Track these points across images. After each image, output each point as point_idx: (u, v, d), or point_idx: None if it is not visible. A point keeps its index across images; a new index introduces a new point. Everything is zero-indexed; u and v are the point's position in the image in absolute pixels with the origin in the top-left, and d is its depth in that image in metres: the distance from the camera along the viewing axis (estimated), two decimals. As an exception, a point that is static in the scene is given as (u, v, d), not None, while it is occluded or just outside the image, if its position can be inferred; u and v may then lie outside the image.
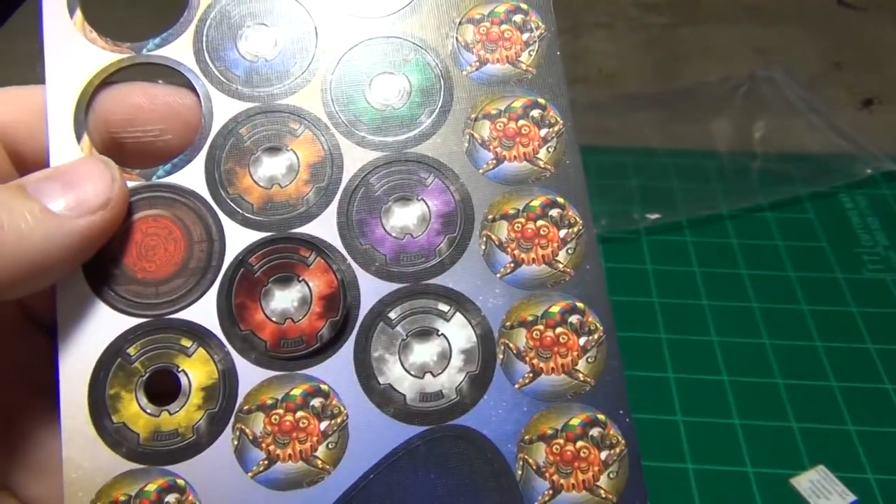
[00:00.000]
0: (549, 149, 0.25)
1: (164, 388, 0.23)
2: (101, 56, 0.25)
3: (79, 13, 0.25)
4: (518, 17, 0.26)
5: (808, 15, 0.73)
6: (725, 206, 0.57)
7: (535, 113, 0.26)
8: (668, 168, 0.58)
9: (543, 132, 0.25)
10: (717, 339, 0.50)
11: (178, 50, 0.25)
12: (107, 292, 0.23)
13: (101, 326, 0.23)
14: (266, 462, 0.23)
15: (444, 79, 0.26)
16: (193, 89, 0.25)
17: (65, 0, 0.25)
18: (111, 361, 0.23)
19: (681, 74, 0.67)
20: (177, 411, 0.23)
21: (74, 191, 0.22)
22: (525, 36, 0.26)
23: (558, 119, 0.26)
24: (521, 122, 0.25)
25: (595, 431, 0.24)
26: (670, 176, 0.58)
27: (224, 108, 0.25)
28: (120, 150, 0.24)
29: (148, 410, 0.23)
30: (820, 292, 0.52)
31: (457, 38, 0.26)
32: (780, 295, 0.52)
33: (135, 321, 0.23)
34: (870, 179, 0.59)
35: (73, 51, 0.25)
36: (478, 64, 0.26)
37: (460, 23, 0.26)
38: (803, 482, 0.43)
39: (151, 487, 0.23)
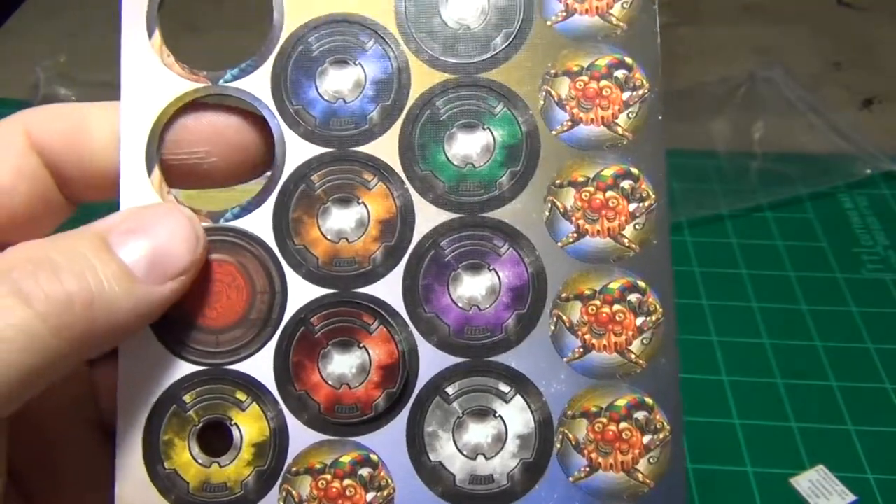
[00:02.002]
0: (637, 226, 0.23)
1: (217, 436, 0.23)
2: (178, 84, 0.23)
3: (157, 35, 0.23)
4: (620, 73, 0.24)
5: (808, 15, 0.73)
6: (725, 206, 0.57)
7: (626, 184, 0.23)
8: (668, 168, 0.58)
9: (633, 207, 0.23)
10: (717, 338, 0.50)
11: (256, 83, 0.24)
12: (168, 337, 0.23)
13: (160, 370, 0.23)
14: None
15: (531, 137, 0.24)
16: (268, 127, 0.24)
17: (144, 19, 0.24)
18: (167, 407, 0.23)
19: (680, 74, 0.67)
20: (227, 464, 0.23)
21: (160, 253, 0.21)
22: (626, 95, 0.24)
23: (651, 193, 0.23)
24: (609, 194, 0.23)
25: None
26: (670, 176, 0.58)
27: (297, 151, 0.24)
28: (166, 171, 0.24)
29: (199, 460, 0.23)
30: (820, 292, 0.52)
31: (550, 92, 0.24)
32: (780, 295, 0.52)
33: (192, 368, 0.23)
34: (870, 179, 0.59)
35: (150, 76, 0.23)
36: (570, 124, 0.24)
37: (556, 75, 0.24)
38: (803, 482, 0.43)
39: None
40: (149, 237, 0.21)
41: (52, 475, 0.24)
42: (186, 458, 0.23)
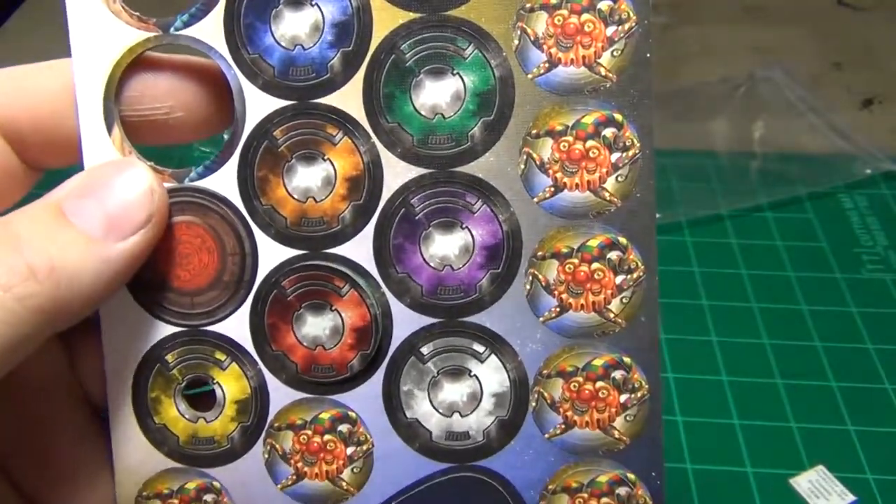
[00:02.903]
0: (619, 178, 0.22)
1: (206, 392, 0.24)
2: (128, 34, 0.22)
3: None
4: (604, 5, 0.21)
5: (808, 15, 0.73)
6: (725, 206, 0.57)
7: (609, 132, 0.22)
8: (668, 168, 0.58)
9: (615, 157, 0.22)
10: (717, 338, 0.50)
11: (208, 30, 0.22)
12: (145, 299, 0.23)
13: (141, 331, 0.23)
14: (294, 477, 0.24)
15: (505, 82, 0.22)
16: (224, 78, 0.23)
17: None
18: (151, 366, 0.24)
19: (680, 74, 0.67)
20: (212, 420, 0.24)
21: (115, 210, 0.21)
22: (610, 30, 0.21)
23: (635, 142, 0.22)
24: (589, 144, 0.22)
25: (622, 490, 0.23)
26: (669, 176, 0.58)
27: (257, 105, 0.22)
28: (129, 128, 0.23)
29: (186, 416, 0.24)
30: (819, 292, 0.52)
31: (525, 30, 0.22)
32: (780, 295, 0.52)
33: (172, 329, 0.23)
34: (870, 179, 0.59)
35: (98, 26, 0.22)
36: (547, 65, 0.22)
37: (532, 9, 0.22)
38: (803, 482, 0.43)
39: (191, 486, 0.24)
40: (102, 197, 0.21)
41: (40, 459, 0.24)
42: (174, 414, 0.24)
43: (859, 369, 0.48)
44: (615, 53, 0.22)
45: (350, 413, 0.23)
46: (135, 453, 0.23)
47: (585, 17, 0.21)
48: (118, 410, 0.24)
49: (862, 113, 0.65)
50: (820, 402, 0.46)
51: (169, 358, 0.23)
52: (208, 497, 0.24)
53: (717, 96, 0.64)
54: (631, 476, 0.23)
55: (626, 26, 0.21)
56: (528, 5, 0.22)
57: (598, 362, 0.23)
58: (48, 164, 0.24)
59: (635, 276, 0.22)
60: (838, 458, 0.44)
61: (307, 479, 0.24)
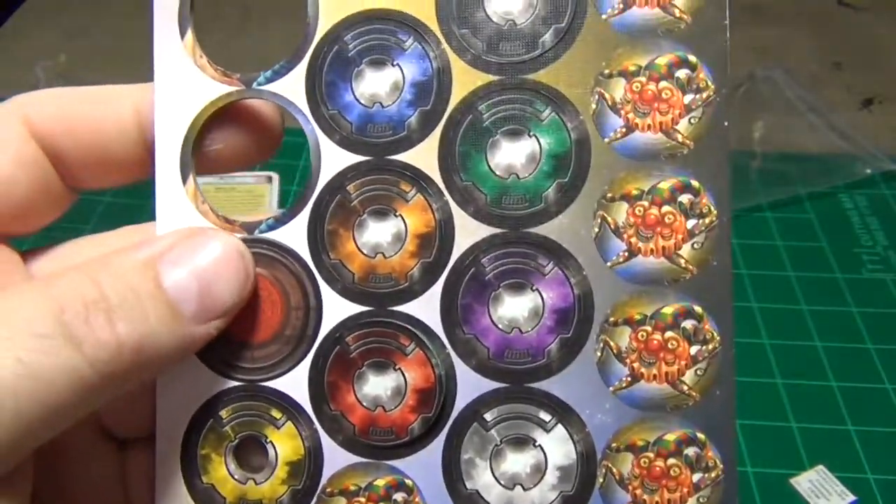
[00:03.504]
0: (695, 245, 0.22)
1: (254, 449, 0.23)
2: (212, 88, 0.22)
3: (190, 35, 0.22)
4: (683, 74, 0.21)
5: (808, 15, 0.73)
6: (725, 206, 0.57)
7: (685, 199, 0.22)
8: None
9: (691, 224, 0.21)
10: (717, 339, 0.50)
11: (290, 86, 0.22)
12: (204, 352, 0.22)
13: (197, 385, 0.23)
14: None
15: (581, 146, 0.22)
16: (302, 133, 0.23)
17: (176, 18, 0.22)
18: (204, 422, 0.23)
19: (680, 74, 0.67)
20: (262, 482, 0.23)
21: (209, 290, 0.21)
22: (688, 99, 0.21)
23: (712, 209, 0.21)
24: (665, 209, 0.22)
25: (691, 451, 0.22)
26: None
27: (333, 160, 0.22)
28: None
29: (236, 476, 0.23)
30: (820, 292, 0.52)
31: (603, 95, 0.22)
32: (780, 295, 0.52)
33: (229, 383, 0.23)
34: (870, 179, 0.59)
35: (183, 78, 0.22)
36: (624, 131, 0.22)
37: (610, 75, 0.22)
38: (803, 482, 0.43)
39: None
40: (199, 273, 0.21)
41: (63, 488, 0.24)
42: (223, 474, 0.23)
43: (859, 369, 0.48)
44: (693, 121, 0.21)
45: (407, 481, 0.22)
46: None
47: (663, 84, 0.22)
48: (165, 466, 0.23)
49: (862, 113, 0.65)
50: (820, 402, 0.47)
51: (223, 414, 0.23)
52: None
53: (717, 96, 0.64)
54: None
55: (704, 95, 0.21)
56: (606, 71, 0.22)
57: (670, 437, 0.22)
58: (87, 187, 0.24)
59: (710, 347, 0.22)
60: (838, 458, 0.44)
61: None
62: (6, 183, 0.22)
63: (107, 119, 0.23)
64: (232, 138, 0.23)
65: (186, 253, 0.21)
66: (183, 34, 0.22)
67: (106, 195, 0.20)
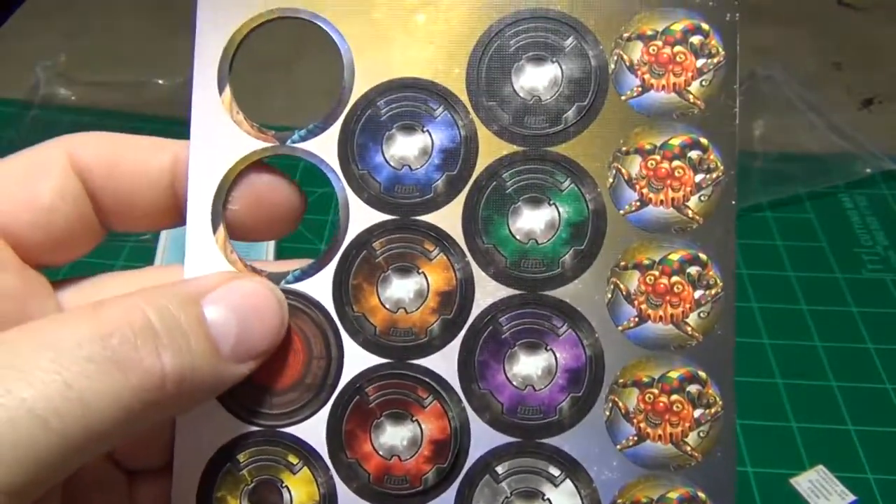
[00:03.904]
0: (701, 314, 0.23)
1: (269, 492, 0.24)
2: (247, 143, 0.23)
3: (228, 91, 0.23)
4: (695, 154, 0.23)
5: (808, 15, 0.73)
6: (725, 206, 0.57)
7: (693, 270, 0.23)
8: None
9: (698, 294, 0.23)
10: (717, 338, 0.50)
11: (323, 145, 0.23)
12: (224, 396, 0.23)
13: (216, 428, 0.23)
14: None
15: (598, 216, 0.23)
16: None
17: (216, 75, 0.23)
18: (221, 465, 0.23)
19: (681, 74, 0.67)
20: None
21: (247, 333, 0.21)
22: (699, 178, 0.23)
23: (718, 281, 0.23)
24: (674, 279, 0.23)
25: None
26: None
27: (361, 217, 0.23)
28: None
29: None
30: (820, 292, 0.52)
31: (620, 170, 0.23)
32: (780, 295, 0.52)
33: (248, 428, 0.23)
34: (870, 179, 0.59)
35: (219, 133, 0.23)
36: (638, 204, 0.23)
37: (627, 152, 0.23)
38: (803, 482, 0.43)
39: None
40: (240, 315, 0.21)
41: None
42: None
43: (859, 369, 0.48)
44: (703, 199, 0.23)
45: None
46: None
47: (676, 163, 0.23)
48: None
49: (862, 113, 0.65)
50: (820, 402, 0.47)
51: (241, 457, 0.23)
52: None
53: (717, 96, 0.64)
54: None
55: (714, 175, 0.23)
56: (623, 148, 0.23)
57: (672, 495, 0.23)
58: (116, 228, 0.25)
59: (713, 410, 0.23)
60: (838, 458, 0.44)
61: None
62: (48, 211, 0.22)
63: (146, 166, 0.23)
64: (253, 206, 0.24)
65: (229, 294, 0.22)
66: (221, 90, 0.23)
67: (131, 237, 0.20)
